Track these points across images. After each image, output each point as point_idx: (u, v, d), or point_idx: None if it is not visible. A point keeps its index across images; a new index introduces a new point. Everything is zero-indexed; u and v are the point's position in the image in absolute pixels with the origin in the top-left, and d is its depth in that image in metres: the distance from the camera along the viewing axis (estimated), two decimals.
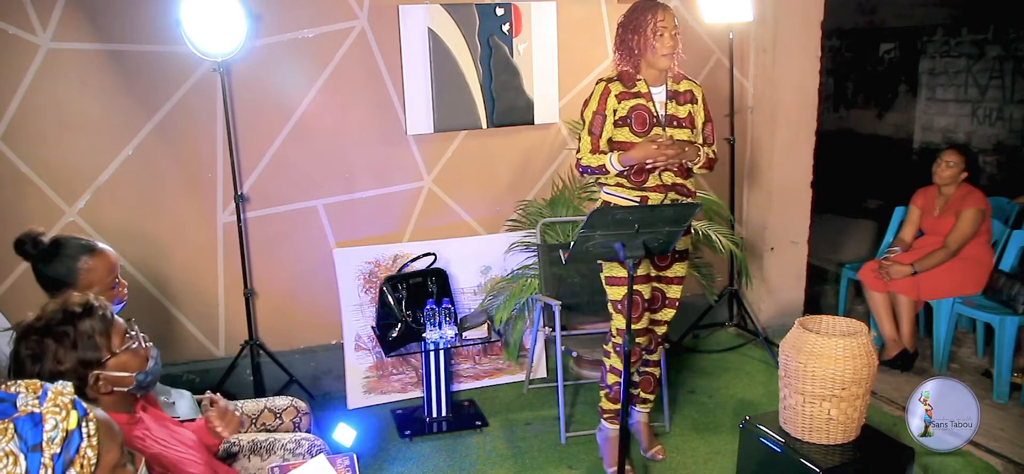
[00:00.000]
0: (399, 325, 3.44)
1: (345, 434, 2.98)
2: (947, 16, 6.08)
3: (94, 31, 3.11)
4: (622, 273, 2.74)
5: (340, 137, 3.54)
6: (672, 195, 2.77)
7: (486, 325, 3.45)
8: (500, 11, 3.61)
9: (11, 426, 1.01)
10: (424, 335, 3.37)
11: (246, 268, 3.43)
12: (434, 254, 3.65)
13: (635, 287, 2.82)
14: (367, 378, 3.62)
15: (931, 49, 6.24)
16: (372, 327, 3.55)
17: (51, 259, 2.05)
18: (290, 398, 2.51)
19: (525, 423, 3.41)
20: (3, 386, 1.08)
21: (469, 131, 3.72)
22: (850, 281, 4.38)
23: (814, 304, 4.68)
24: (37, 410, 1.05)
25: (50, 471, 1.03)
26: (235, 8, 3.04)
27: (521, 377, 3.78)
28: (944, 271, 3.70)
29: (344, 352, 3.59)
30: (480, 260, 3.78)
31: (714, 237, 3.82)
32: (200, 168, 3.37)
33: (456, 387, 3.67)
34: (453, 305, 3.46)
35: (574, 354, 3.25)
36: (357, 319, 3.59)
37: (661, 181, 2.74)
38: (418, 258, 3.64)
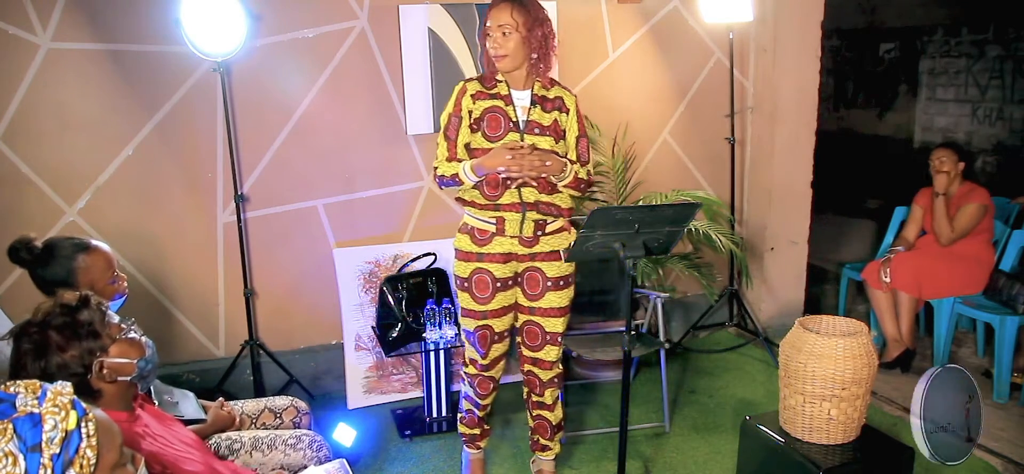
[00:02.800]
0: (399, 325, 3.44)
1: (345, 434, 2.98)
2: (947, 16, 6.08)
3: (94, 31, 3.11)
4: (474, 306, 2.57)
5: (340, 137, 3.54)
6: (532, 215, 2.49)
7: None
8: None
9: (10, 426, 1.01)
10: (424, 335, 3.37)
11: (246, 268, 3.43)
12: (434, 254, 3.65)
13: (487, 322, 2.60)
14: (367, 378, 3.62)
15: (931, 49, 6.25)
16: (372, 327, 3.55)
17: (48, 262, 2.05)
18: (290, 398, 2.51)
19: (525, 423, 3.40)
20: (2, 386, 1.08)
21: None
22: (850, 281, 4.38)
23: (814, 304, 4.68)
24: (36, 410, 1.04)
25: (49, 471, 1.02)
26: (235, 8, 3.04)
27: (521, 377, 3.77)
28: (945, 270, 3.70)
29: (344, 352, 3.59)
30: None
31: (714, 237, 3.82)
32: (200, 168, 3.37)
33: (456, 387, 3.66)
34: (453, 305, 3.45)
35: (574, 354, 3.25)
36: (357, 319, 3.59)
37: (520, 198, 2.47)
38: (418, 258, 3.64)
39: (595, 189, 3.87)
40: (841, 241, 5.54)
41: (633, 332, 2.87)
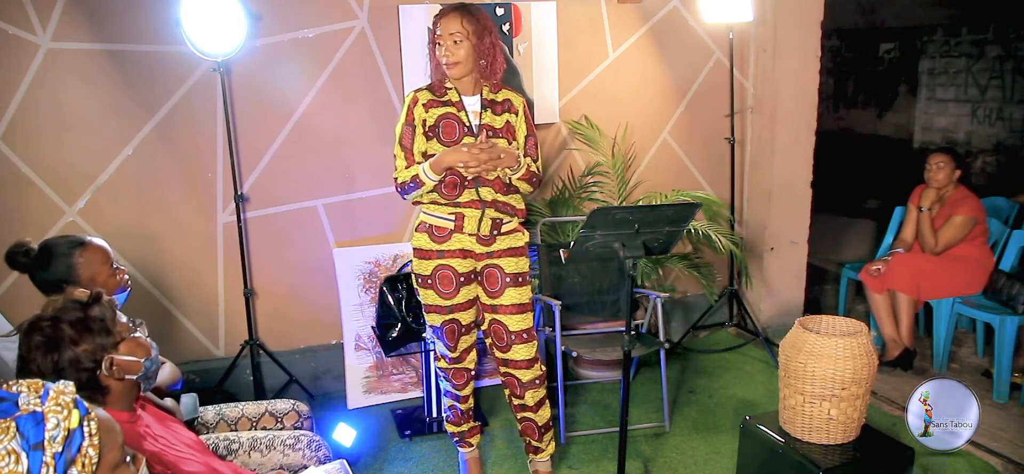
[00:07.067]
0: (399, 325, 3.44)
1: (345, 434, 2.99)
2: (947, 16, 6.09)
3: (94, 31, 3.11)
4: (440, 301, 2.62)
5: (340, 137, 3.54)
6: (490, 212, 2.56)
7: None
8: (500, 11, 3.62)
9: (13, 425, 1.02)
10: (424, 335, 3.37)
11: (246, 268, 3.43)
12: None
13: (453, 315, 2.64)
14: (367, 378, 3.62)
15: (931, 49, 6.26)
16: (372, 327, 3.55)
17: (47, 263, 2.05)
18: (292, 402, 2.50)
19: None
20: (5, 385, 1.08)
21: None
22: (850, 281, 4.38)
23: (814, 304, 4.68)
24: (39, 409, 1.05)
25: (52, 470, 1.03)
26: (235, 8, 3.04)
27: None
28: (943, 271, 3.70)
29: (344, 352, 3.59)
30: None
31: (714, 237, 3.82)
32: (200, 168, 3.37)
33: None
34: None
35: (574, 354, 3.25)
36: (357, 319, 3.59)
37: (479, 196, 2.54)
38: None
39: (595, 189, 3.87)
40: (841, 241, 5.55)
41: (633, 332, 2.87)
